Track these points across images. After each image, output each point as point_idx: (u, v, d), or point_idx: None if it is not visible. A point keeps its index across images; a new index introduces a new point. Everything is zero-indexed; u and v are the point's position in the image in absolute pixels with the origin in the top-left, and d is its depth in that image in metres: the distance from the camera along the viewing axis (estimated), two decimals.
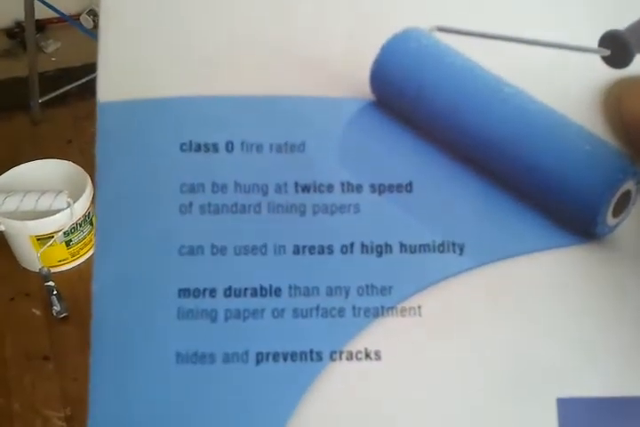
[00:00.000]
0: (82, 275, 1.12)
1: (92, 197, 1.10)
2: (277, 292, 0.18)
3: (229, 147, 0.19)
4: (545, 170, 0.19)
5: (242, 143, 0.19)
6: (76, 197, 1.08)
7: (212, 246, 0.18)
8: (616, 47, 0.19)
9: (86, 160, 1.21)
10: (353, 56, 0.19)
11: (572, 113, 0.19)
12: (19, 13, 1.37)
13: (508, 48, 0.20)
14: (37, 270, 1.08)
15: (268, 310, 0.18)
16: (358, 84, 0.19)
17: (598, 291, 0.19)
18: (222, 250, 0.18)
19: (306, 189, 0.19)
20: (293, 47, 0.19)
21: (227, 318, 0.18)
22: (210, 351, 0.18)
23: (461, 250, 0.19)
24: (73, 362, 0.99)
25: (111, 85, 0.19)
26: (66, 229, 1.07)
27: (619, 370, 0.18)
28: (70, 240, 1.10)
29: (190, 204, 0.19)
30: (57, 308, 1.05)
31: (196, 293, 0.18)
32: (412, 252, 0.19)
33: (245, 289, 0.18)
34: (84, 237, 1.12)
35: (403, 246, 0.19)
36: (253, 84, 0.19)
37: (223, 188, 0.19)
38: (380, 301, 0.18)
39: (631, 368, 0.18)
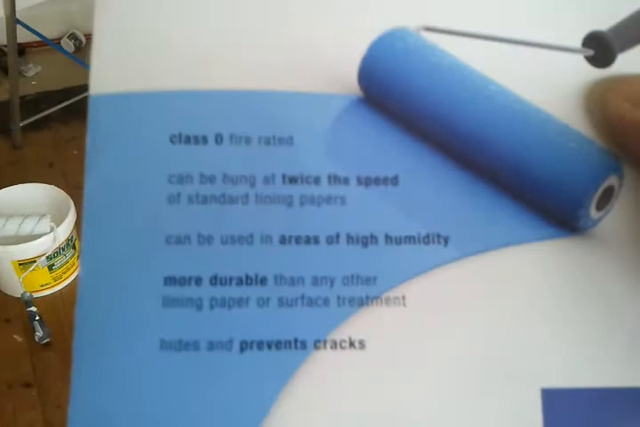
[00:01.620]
0: (65, 300, 1.11)
1: (75, 221, 1.10)
2: (263, 281, 0.18)
3: (218, 139, 0.19)
4: (530, 165, 0.19)
5: (231, 136, 0.19)
6: (58, 221, 1.07)
7: (199, 236, 0.18)
8: (599, 47, 0.20)
9: (68, 183, 1.21)
10: (341, 54, 0.20)
11: (556, 112, 0.19)
12: None
13: (494, 47, 0.20)
14: (19, 296, 1.07)
15: (254, 298, 0.18)
16: (346, 80, 0.20)
17: (582, 282, 0.19)
18: (209, 239, 0.18)
19: (293, 180, 0.19)
20: (284, 44, 0.20)
21: (212, 307, 0.18)
22: (194, 339, 0.18)
23: (446, 242, 0.19)
24: (56, 389, 0.98)
25: (103, 78, 0.19)
26: (49, 253, 1.07)
27: (604, 360, 0.18)
28: (53, 265, 1.10)
29: (178, 194, 0.19)
30: (39, 334, 1.04)
31: (182, 281, 0.18)
32: (397, 243, 0.19)
33: (231, 278, 0.18)
34: (67, 262, 1.12)
35: (388, 238, 0.19)
36: (243, 80, 0.20)
37: (211, 179, 0.19)
38: (364, 290, 0.18)
39: (616, 358, 0.18)
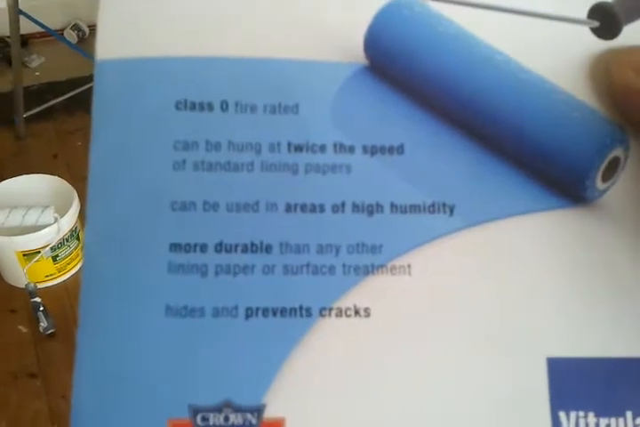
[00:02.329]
0: (69, 290, 1.11)
1: (79, 212, 1.10)
2: (268, 248, 0.18)
3: (224, 106, 0.19)
4: (536, 135, 0.19)
5: (236, 103, 0.19)
6: (62, 212, 1.07)
7: (205, 203, 0.18)
8: (605, 19, 0.20)
9: (72, 175, 1.21)
10: (348, 22, 0.20)
11: (561, 82, 0.19)
12: (1, 28, 1.39)
13: (499, 18, 0.20)
14: (23, 286, 1.07)
15: (259, 266, 0.18)
16: (352, 48, 0.20)
17: (587, 252, 0.19)
18: (214, 206, 0.18)
19: (298, 148, 0.19)
20: (291, 12, 0.20)
21: (217, 273, 0.18)
22: (199, 306, 0.18)
23: (451, 211, 0.19)
24: (61, 379, 0.98)
25: (109, 44, 0.19)
26: (53, 244, 1.07)
27: (609, 330, 0.18)
28: (57, 255, 1.10)
29: (184, 161, 0.19)
30: (44, 324, 1.04)
31: (187, 247, 0.18)
32: (402, 212, 0.19)
33: (236, 245, 0.18)
34: (71, 253, 1.12)
35: (393, 206, 0.19)
36: (249, 47, 0.20)
37: (217, 146, 0.19)
38: (370, 259, 0.18)
39: (621, 329, 0.18)
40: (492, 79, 0.19)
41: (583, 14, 0.20)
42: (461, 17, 0.20)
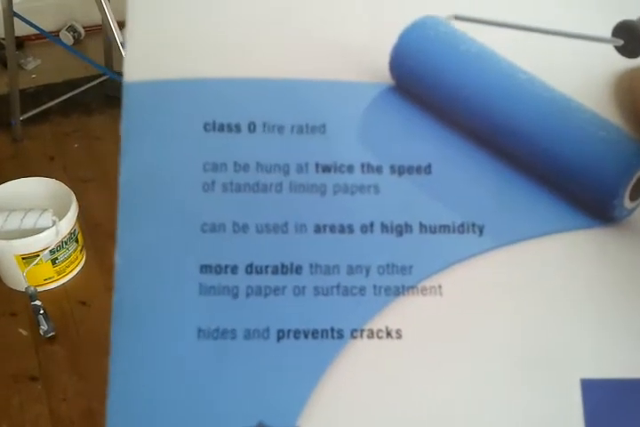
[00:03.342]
0: (68, 293, 1.11)
1: (77, 215, 1.10)
2: (298, 269, 0.18)
3: (252, 127, 0.19)
4: (562, 154, 0.19)
5: (264, 124, 0.19)
6: (61, 214, 1.07)
7: (234, 224, 0.18)
8: (629, 37, 0.20)
9: (69, 177, 1.21)
10: (374, 42, 0.20)
11: (585, 101, 0.19)
12: None
13: (523, 37, 0.20)
14: (23, 290, 1.07)
15: (289, 287, 0.18)
16: (379, 69, 0.20)
17: (617, 271, 0.19)
18: (244, 228, 0.18)
19: (326, 169, 0.19)
20: (318, 34, 0.20)
21: (248, 295, 0.18)
22: (231, 327, 0.18)
23: (481, 231, 0.19)
24: (61, 382, 0.98)
25: (136, 66, 0.19)
26: (52, 247, 1.07)
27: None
28: (56, 258, 1.09)
29: (213, 182, 0.19)
30: (44, 327, 1.03)
31: (218, 269, 0.18)
32: (432, 232, 0.19)
33: (267, 266, 0.18)
34: (70, 255, 1.11)
35: (423, 227, 0.19)
36: (276, 68, 0.20)
37: (245, 167, 0.19)
38: (400, 279, 0.18)
39: None
40: (517, 98, 0.19)
41: (607, 33, 0.20)
42: (486, 36, 0.20)
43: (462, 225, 0.19)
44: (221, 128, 0.19)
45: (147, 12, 0.19)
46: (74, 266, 1.14)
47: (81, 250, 1.15)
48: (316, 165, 0.19)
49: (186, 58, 0.19)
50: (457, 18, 0.20)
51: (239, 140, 0.19)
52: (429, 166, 0.19)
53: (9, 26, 1.26)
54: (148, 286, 0.18)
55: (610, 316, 0.18)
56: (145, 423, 0.17)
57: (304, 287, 0.18)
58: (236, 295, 0.18)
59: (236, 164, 0.19)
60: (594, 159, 0.19)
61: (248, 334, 0.18)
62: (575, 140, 0.19)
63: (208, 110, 0.19)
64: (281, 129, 0.19)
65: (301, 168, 0.19)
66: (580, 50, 0.20)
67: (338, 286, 0.18)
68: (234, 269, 0.18)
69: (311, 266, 0.18)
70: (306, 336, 0.18)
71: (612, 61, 0.20)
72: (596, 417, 0.18)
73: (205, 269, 0.18)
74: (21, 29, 1.36)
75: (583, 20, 0.20)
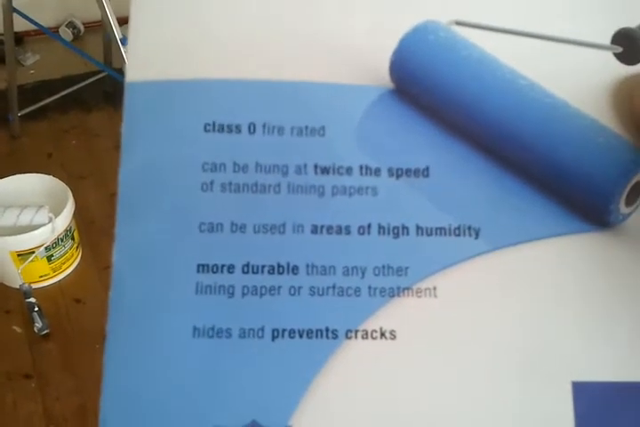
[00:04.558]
0: (63, 291, 1.11)
1: (74, 212, 1.10)
2: (295, 270, 0.18)
3: (252, 128, 0.19)
4: (560, 159, 0.19)
5: (264, 125, 0.19)
6: (57, 211, 1.07)
7: (232, 224, 0.19)
8: (628, 44, 0.20)
9: (67, 174, 1.20)
10: (374, 46, 0.20)
11: (585, 107, 0.20)
12: None
13: (523, 43, 0.20)
14: (18, 287, 1.07)
15: (285, 287, 0.18)
16: (379, 72, 0.20)
17: (611, 276, 0.19)
18: (242, 228, 0.19)
19: (325, 171, 0.19)
20: (319, 37, 0.20)
21: (244, 295, 0.18)
22: (226, 326, 0.18)
23: (477, 234, 0.19)
24: (55, 380, 0.98)
25: (138, 67, 0.19)
26: (47, 244, 1.06)
27: (633, 355, 0.18)
28: (52, 255, 1.09)
29: (212, 182, 0.19)
30: (38, 325, 1.03)
31: (215, 268, 0.18)
32: (428, 234, 0.19)
33: (263, 266, 0.18)
34: (66, 252, 1.11)
35: (419, 229, 0.19)
36: (277, 70, 0.20)
37: (244, 167, 0.19)
38: (395, 281, 0.18)
39: None
40: (516, 104, 0.19)
41: (607, 40, 0.20)
42: (486, 42, 0.20)
43: (458, 228, 0.19)
44: (221, 129, 0.19)
45: (150, 13, 0.20)
46: (69, 263, 1.13)
47: (77, 247, 1.14)
48: (315, 167, 0.19)
49: (187, 59, 0.19)
50: (457, 23, 0.20)
51: (239, 141, 0.19)
52: (427, 170, 0.19)
53: (8, 21, 1.25)
54: (144, 285, 0.18)
55: (602, 320, 0.19)
56: (138, 421, 0.17)
57: (300, 287, 0.18)
58: (231, 295, 0.18)
59: (235, 164, 0.19)
60: (591, 164, 0.19)
61: (243, 333, 0.18)
62: (573, 145, 0.19)
63: (209, 111, 0.19)
64: (281, 130, 0.19)
65: (300, 169, 0.19)
66: (579, 56, 0.20)
67: (333, 287, 0.18)
68: (230, 269, 0.18)
69: (307, 266, 0.18)
70: (300, 336, 0.18)
71: (612, 68, 0.20)
72: (586, 420, 0.18)
73: (202, 268, 0.18)
74: (20, 25, 1.36)
75: (583, 27, 0.20)
